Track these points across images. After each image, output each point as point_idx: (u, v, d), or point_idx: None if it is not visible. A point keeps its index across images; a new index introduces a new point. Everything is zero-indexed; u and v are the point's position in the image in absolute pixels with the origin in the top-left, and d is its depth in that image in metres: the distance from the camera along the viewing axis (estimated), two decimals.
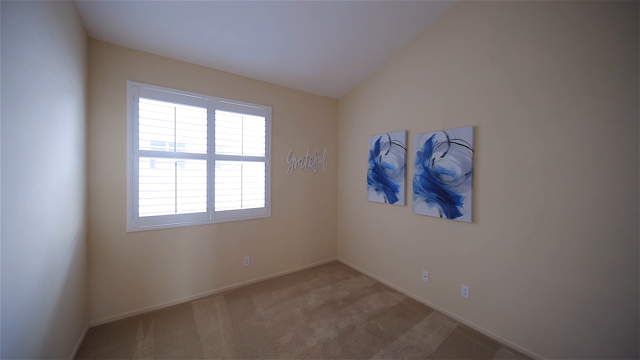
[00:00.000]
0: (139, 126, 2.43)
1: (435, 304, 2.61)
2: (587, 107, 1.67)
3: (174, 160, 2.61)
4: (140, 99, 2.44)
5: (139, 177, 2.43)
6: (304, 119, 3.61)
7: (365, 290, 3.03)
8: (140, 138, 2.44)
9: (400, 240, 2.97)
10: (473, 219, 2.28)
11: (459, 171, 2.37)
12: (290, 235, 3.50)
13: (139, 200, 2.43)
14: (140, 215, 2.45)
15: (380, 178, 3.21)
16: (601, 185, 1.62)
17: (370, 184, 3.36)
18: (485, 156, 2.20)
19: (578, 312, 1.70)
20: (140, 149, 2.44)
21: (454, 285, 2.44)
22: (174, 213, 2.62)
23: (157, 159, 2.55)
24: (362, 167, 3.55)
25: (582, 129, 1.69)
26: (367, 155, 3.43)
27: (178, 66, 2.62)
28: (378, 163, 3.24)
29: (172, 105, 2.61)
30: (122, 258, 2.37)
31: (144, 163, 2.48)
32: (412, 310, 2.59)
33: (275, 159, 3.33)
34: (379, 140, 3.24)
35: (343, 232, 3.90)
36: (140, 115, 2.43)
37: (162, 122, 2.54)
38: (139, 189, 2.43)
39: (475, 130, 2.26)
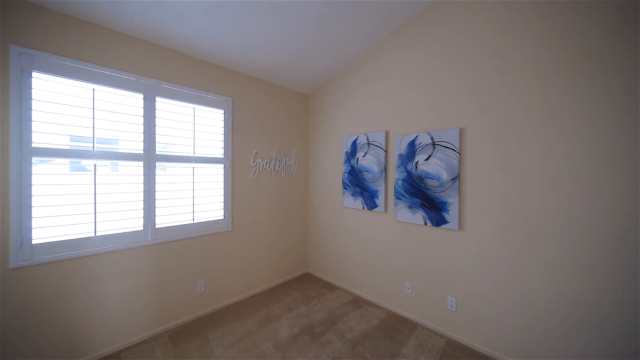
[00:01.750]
0: (32, 112, 1.68)
1: (420, 318, 2.42)
2: (584, 108, 1.62)
3: (92, 162, 1.90)
4: (34, 74, 1.69)
5: (32, 187, 1.68)
6: (271, 115, 3.15)
7: (343, 307, 2.71)
8: (34, 130, 1.69)
9: (381, 250, 2.74)
10: (460, 226, 2.14)
11: (444, 175, 2.22)
12: (256, 249, 2.99)
13: (32, 220, 1.68)
14: (33, 241, 1.69)
15: (357, 182, 2.94)
16: (599, 189, 1.58)
17: (346, 188, 3.07)
18: (472, 159, 2.08)
19: (576, 318, 1.65)
20: (34, 145, 1.69)
21: (439, 297, 2.29)
22: (92, 235, 1.91)
23: (60, 160, 1.81)
24: (336, 171, 3.24)
25: (579, 131, 1.64)
26: (342, 157, 3.14)
27: (101, 34, 1.93)
28: (355, 166, 2.97)
29: (90, 86, 1.90)
30: (8, 306, 1.59)
31: (44, 166, 1.73)
32: (397, 328, 2.36)
33: (237, 161, 2.80)
34: (355, 141, 2.97)
35: (315, 242, 3.54)
36: (33, 96, 1.69)
37: (76, 109, 1.82)
38: (32, 204, 1.68)
39: (461, 132, 2.13)
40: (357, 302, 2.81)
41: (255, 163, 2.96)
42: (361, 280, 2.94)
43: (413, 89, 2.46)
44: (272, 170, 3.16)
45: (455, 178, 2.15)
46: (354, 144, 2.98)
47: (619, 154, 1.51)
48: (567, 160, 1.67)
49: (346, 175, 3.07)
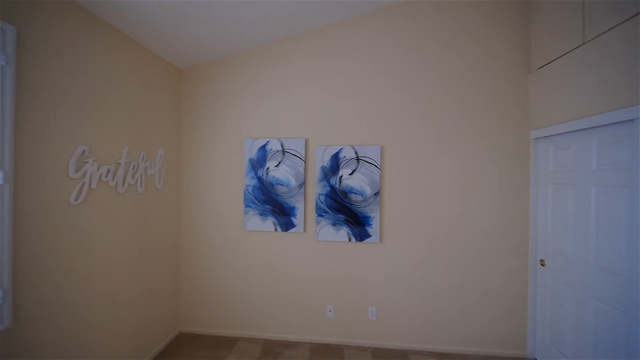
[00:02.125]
0: None
1: (344, 339, 2.32)
2: (473, 141, 2.20)
3: None
4: None
5: None
6: (116, 82, 1.77)
7: None
8: None
9: (298, 277, 2.35)
10: (381, 239, 2.27)
11: (368, 191, 2.26)
12: (82, 328, 1.54)
13: None
14: None
15: (267, 198, 2.35)
16: (480, 203, 2.19)
17: (250, 206, 2.37)
18: (389, 176, 2.27)
19: (466, 303, 2.20)
20: None
21: (361, 310, 2.30)
22: None
23: None
24: (234, 183, 2.42)
25: (470, 157, 2.20)
26: (245, 165, 2.39)
27: None
28: (264, 178, 2.35)
29: None
30: None
31: None
32: None
33: (32, 169, 1.28)
34: (265, 146, 2.36)
35: (196, 284, 2.46)
36: None
37: None
38: None
39: (382, 149, 2.27)
40: (271, 350, 2.23)
41: (81, 173, 1.51)
42: (272, 318, 2.38)
43: (337, 98, 2.32)
44: (121, 183, 1.78)
45: (377, 193, 2.25)
46: (263, 149, 2.36)
47: (496, 177, 2.20)
48: (458, 179, 2.22)
49: (251, 189, 2.37)
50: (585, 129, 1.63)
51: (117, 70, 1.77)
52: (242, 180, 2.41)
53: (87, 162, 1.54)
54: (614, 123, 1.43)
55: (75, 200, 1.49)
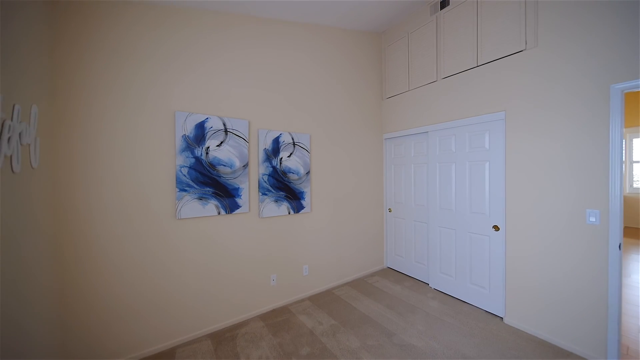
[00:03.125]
0: None
1: (286, 300, 2.67)
2: (362, 134, 3.24)
3: None
4: None
5: None
6: None
7: None
8: None
9: (245, 255, 2.39)
10: (311, 209, 2.85)
11: (302, 170, 2.74)
12: None
13: None
14: None
15: (208, 181, 2.16)
16: (368, 185, 3.29)
17: (185, 190, 2.06)
18: (316, 159, 2.89)
19: (363, 245, 3.27)
20: None
21: (298, 270, 2.78)
22: None
23: None
24: (161, 164, 1.97)
25: (357, 145, 3.23)
26: (177, 143, 2.01)
27: None
28: (203, 158, 2.13)
29: None
30: None
31: None
32: (278, 322, 2.39)
33: None
34: (203, 123, 2.13)
35: (100, 293, 1.75)
36: None
37: None
38: None
39: (311, 137, 2.82)
40: (223, 337, 2.15)
41: None
42: (218, 307, 2.25)
43: (274, 86, 2.56)
44: None
45: (308, 172, 2.80)
46: (201, 127, 2.12)
47: (367, 161, 3.35)
48: (349, 163, 3.23)
49: (186, 170, 2.06)
50: (407, 135, 3.18)
51: None
52: (172, 161, 2.02)
53: None
54: (412, 134, 3.00)
55: None
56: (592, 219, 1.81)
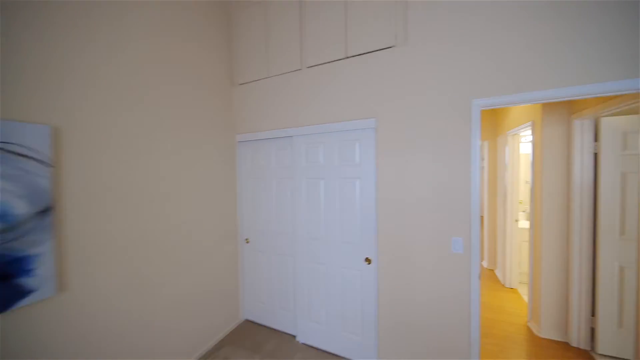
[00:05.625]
0: None
1: None
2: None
3: None
4: None
5: None
6: None
7: None
8: None
9: None
10: (60, 287, 1.29)
11: (21, 209, 1.14)
12: None
13: None
14: None
15: None
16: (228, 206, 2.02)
17: None
18: (79, 177, 1.35)
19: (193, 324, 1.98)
20: None
21: None
22: None
23: None
24: None
25: (208, 149, 1.91)
26: None
27: None
28: None
29: None
30: None
31: None
32: None
33: None
34: None
35: None
36: None
37: None
38: None
39: (55, 133, 1.25)
40: None
41: None
42: None
43: None
44: None
45: (48, 210, 1.23)
46: None
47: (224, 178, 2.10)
48: (175, 177, 1.90)
49: None
50: (268, 138, 2.31)
51: None
52: None
53: None
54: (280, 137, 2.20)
55: None
56: (457, 248, 1.64)
